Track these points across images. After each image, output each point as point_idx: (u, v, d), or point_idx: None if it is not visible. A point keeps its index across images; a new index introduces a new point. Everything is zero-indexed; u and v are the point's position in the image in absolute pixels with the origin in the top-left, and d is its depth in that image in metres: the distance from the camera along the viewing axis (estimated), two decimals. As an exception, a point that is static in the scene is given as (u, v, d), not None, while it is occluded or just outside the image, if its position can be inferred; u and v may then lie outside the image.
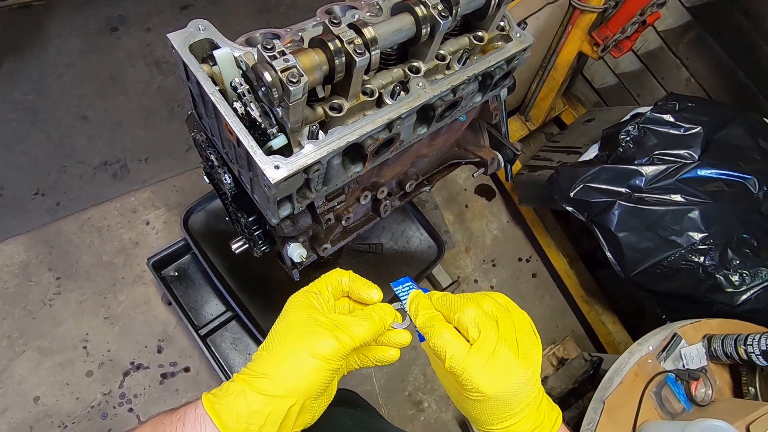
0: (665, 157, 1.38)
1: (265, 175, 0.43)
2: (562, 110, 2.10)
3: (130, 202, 1.54)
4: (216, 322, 1.27)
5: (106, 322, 1.38)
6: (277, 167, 0.43)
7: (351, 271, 0.44)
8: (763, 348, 0.94)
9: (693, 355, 1.02)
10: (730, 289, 1.31)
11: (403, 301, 0.44)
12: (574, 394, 1.40)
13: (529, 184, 1.72)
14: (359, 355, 0.45)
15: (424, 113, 0.60)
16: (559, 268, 1.81)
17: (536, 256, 1.94)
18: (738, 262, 1.27)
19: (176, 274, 1.32)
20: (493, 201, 2.01)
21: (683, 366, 1.00)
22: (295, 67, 0.41)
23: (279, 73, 0.40)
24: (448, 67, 0.58)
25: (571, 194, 1.44)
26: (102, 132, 1.64)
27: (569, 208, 1.45)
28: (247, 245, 0.73)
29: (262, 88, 0.41)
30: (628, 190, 1.37)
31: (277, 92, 0.40)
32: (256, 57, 0.44)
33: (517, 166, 1.84)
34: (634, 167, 1.38)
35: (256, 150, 0.43)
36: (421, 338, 0.43)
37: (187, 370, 1.39)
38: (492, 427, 0.40)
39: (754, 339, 0.95)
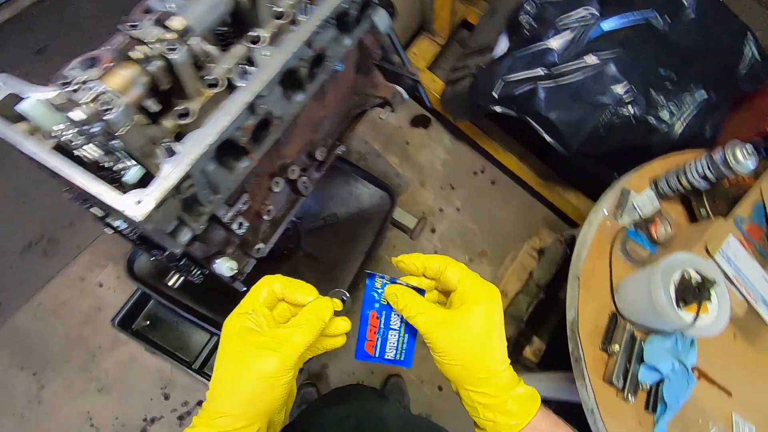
0: (568, 23, 1.36)
1: (127, 215, 0.39)
2: (465, 12, 2.02)
3: (73, 272, 1.46)
4: (206, 350, 1.26)
5: (102, 393, 1.35)
6: (139, 202, 0.39)
7: (280, 276, 0.43)
8: (701, 172, 0.98)
9: (644, 202, 1.06)
10: (664, 127, 1.35)
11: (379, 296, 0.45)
12: (559, 278, 1.47)
13: (457, 99, 1.68)
14: (307, 351, 0.44)
15: (292, 80, 0.56)
16: (512, 168, 1.83)
17: (488, 165, 1.95)
18: (663, 98, 1.30)
19: (148, 322, 1.29)
20: (431, 128, 1.98)
21: (639, 216, 1.04)
22: (105, 92, 0.36)
23: (88, 105, 0.35)
24: (294, 23, 0.53)
25: (495, 94, 1.42)
26: (12, 213, 1.52)
27: (498, 109, 1.44)
28: (182, 277, 0.70)
29: (82, 127, 0.37)
30: (545, 70, 1.36)
31: (97, 127, 0.36)
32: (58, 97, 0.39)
33: (440, 84, 1.80)
34: (543, 45, 1.36)
35: (106, 194, 0.39)
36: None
37: (199, 403, 1.39)
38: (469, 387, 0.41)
39: (690, 167, 0.99)
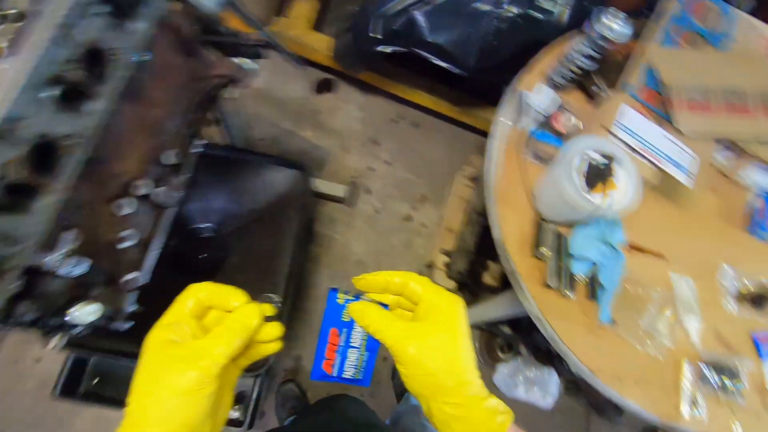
0: (424, -62, 1.27)
1: None
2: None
3: (5, 358, 1.36)
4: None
5: (82, 462, 1.30)
6: None
7: (207, 283, 0.41)
8: (585, 53, 0.95)
9: (541, 99, 1.03)
10: (550, 17, 1.31)
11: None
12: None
13: (347, 52, 1.59)
14: (241, 359, 0.42)
15: (68, 88, 0.48)
16: (427, 104, 1.77)
17: (406, 109, 1.89)
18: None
19: (97, 379, 1.22)
20: (337, 90, 1.89)
21: (540, 114, 1.02)
22: None
23: None
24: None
25: (377, 35, 1.34)
26: None
27: (387, 49, 1.37)
28: (65, 336, 0.63)
29: None
30: (416, -6, 1.28)
31: None
32: None
33: (324, 39, 1.69)
34: (404, -32, 1.28)
35: None
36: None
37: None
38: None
39: (573, 51, 0.96)
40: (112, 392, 1.22)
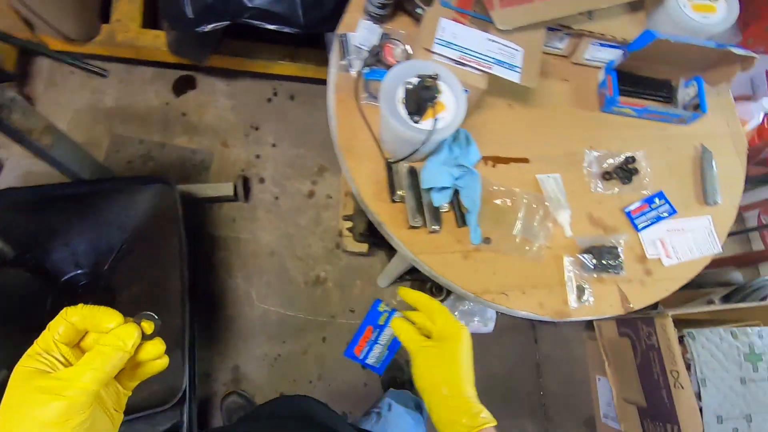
0: None
1: None
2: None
3: None
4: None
5: None
6: None
7: (81, 306, 0.38)
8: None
9: (364, 35, 0.96)
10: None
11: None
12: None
13: (181, 41, 1.45)
14: (125, 381, 0.42)
15: None
16: (294, 73, 1.67)
17: (277, 84, 1.79)
18: None
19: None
20: (198, 85, 1.75)
21: (367, 52, 0.95)
22: None
23: None
24: None
25: (191, 14, 1.21)
26: None
27: (207, 27, 1.25)
28: None
29: None
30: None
31: None
32: None
33: (161, 35, 1.54)
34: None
35: None
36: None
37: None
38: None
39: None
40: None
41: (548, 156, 0.97)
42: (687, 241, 0.94)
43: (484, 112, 0.98)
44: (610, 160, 0.98)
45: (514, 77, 0.87)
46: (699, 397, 1.05)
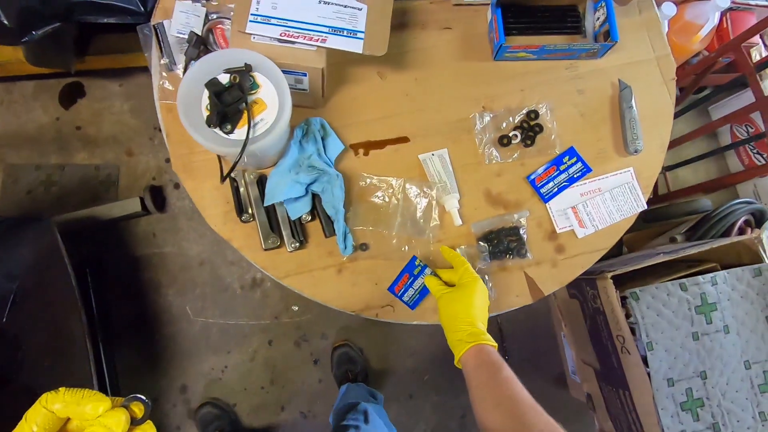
0: None
1: None
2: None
3: None
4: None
5: None
6: None
7: (61, 390, 0.35)
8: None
9: (184, 20, 0.78)
10: None
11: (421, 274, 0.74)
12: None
13: (34, 52, 1.27)
14: None
15: None
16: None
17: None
18: None
19: None
20: (88, 90, 1.57)
21: (192, 40, 0.78)
22: None
23: None
24: None
25: (12, 24, 1.03)
26: None
27: (38, 34, 1.06)
28: None
29: None
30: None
31: None
32: None
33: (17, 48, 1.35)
34: None
35: None
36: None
37: None
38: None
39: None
40: None
41: (432, 129, 0.81)
42: (605, 204, 0.80)
43: (347, 89, 0.81)
44: (508, 121, 0.82)
45: (355, 47, 0.69)
46: (646, 362, 0.95)
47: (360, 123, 0.80)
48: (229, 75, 0.63)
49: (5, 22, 0.99)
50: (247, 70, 0.63)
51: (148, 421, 0.37)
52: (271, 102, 0.64)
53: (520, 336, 1.54)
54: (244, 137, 0.62)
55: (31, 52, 1.25)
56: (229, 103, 0.62)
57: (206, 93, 0.63)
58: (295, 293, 0.74)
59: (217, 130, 0.63)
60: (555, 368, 1.51)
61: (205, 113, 0.63)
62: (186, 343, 1.43)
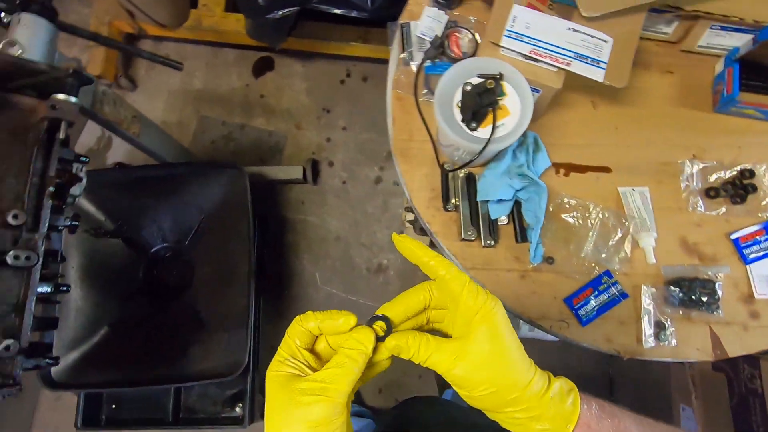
0: None
1: None
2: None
3: (48, 397, 1.53)
4: (179, 401, 1.31)
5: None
6: None
7: (311, 313, 0.41)
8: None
9: (428, 24, 0.88)
10: None
11: None
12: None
13: (257, 27, 1.48)
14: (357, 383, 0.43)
15: None
16: (366, 54, 1.63)
17: (351, 65, 1.76)
18: None
19: (114, 406, 1.33)
20: (276, 66, 1.79)
21: (429, 43, 0.87)
22: None
23: None
24: None
25: (262, 2, 1.22)
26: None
27: (278, 14, 1.25)
28: None
29: None
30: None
31: None
32: None
33: (241, 19, 1.58)
34: None
35: None
36: None
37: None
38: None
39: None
40: (131, 414, 1.33)
41: (636, 165, 0.83)
42: (815, 281, 0.76)
43: (560, 111, 0.86)
44: (719, 174, 0.81)
45: (597, 75, 0.74)
46: (809, 462, 0.87)
47: (566, 145, 0.84)
48: (482, 79, 0.71)
49: (259, 0, 1.18)
50: (500, 78, 0.70)
51: (388, 337, 0.40)
52: (513, 110, 0.71)
53: (631, 394, 1.46)
54: (484, 136, 0.69)
55: (254, 27, 1.46)
56: (480, 104, 0.70)
57: (459, 91, 0.71)
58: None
59: (463, 125, 0.70)
60: (662, 440, 1.41)
61: (456, 109, 0.71)
62: (308, 307, 1.56)
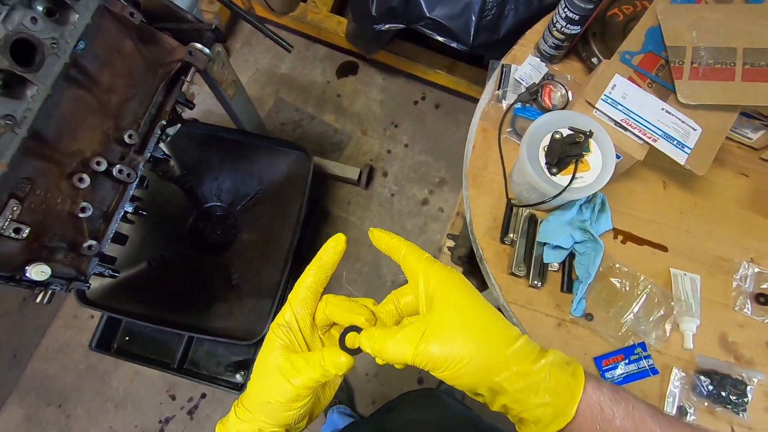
0: None
1: None
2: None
3: (66, 313, 1.60)
4: (188, 351, 1.35)
5: (118, 408, 1.49)
6: None
7: (336, 300, 0.42)
8: (564, 16, 0.84)
9: (528, 71, 0.94)
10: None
11: None
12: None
13: (359, 33, 1.58)
14: None
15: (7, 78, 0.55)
16: (446, 83, 1.70)
17: (428, 89, 1.84)
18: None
19: (128, 338, 1.38)
20: (359, 72, 1.89)
21: (525, 89, 0.94)
22: None
23: None
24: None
25: (374, 12, 1.31)
26: None
27: (384, 27, 1.34)
28: (50, 291, 0.73)
29: None
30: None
31: None
32: None
33: (343, 22, 1.69)
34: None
35: None
36: None
37: (203, 396, 1.49)
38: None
39: (555, 16, 0.86)
40: (140, 350, 1.38)
41: (692, 252, 0.85)
42: None
43: (631, 182, 0.89)
44: (774, 282, 0.82)
45: (680, 158, 0.77)
46: None
47: (629, 215, 0.87)
48: (572, 132, 0.76)
49: (372, 9, 1.27)
50: (589, 135, 0.75)
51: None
52: (594, 167, 0.75)
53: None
54: (561, 183, 0.73)
55: (355, 32, 1.56)
56: (566, 153, 0.74)
57: (548, 137, 0.76)
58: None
59: (545, 168, 0.75)
60: None
61: (541, 152, 0.76)
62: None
